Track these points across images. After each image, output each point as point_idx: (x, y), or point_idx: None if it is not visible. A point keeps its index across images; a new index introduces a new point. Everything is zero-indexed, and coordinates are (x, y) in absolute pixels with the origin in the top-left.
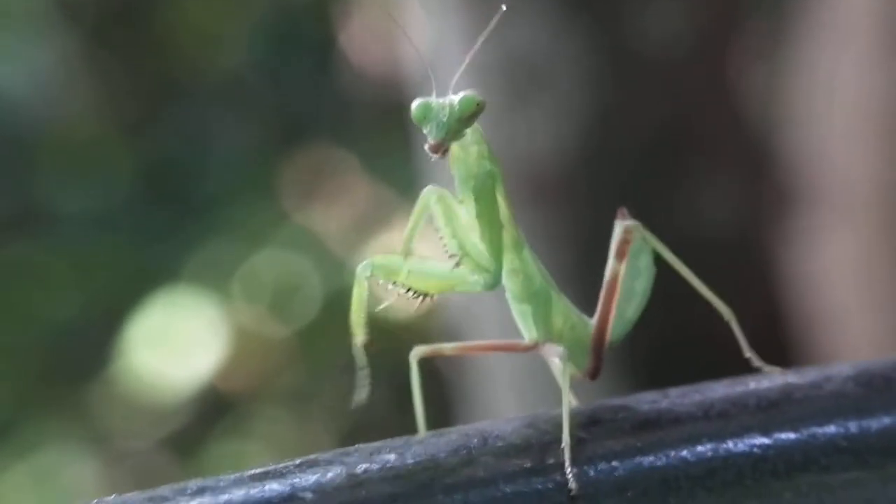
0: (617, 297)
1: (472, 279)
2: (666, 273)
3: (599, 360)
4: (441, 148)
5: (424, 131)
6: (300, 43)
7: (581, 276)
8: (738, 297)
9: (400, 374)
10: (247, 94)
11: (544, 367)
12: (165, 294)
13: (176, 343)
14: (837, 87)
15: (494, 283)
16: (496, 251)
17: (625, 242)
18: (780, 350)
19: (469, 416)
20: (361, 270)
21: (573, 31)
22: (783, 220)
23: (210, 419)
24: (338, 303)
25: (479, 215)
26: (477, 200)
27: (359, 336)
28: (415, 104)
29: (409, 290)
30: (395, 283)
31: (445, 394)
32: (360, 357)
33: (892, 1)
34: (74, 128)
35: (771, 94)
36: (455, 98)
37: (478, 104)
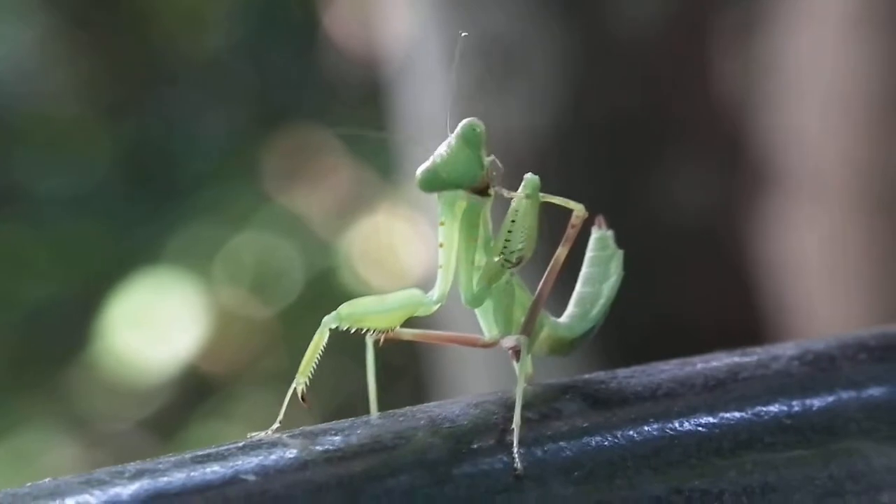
0: (556, 280)
1: (427, 300)
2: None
3: (528, 328)
4: (481, 185)
5: (447, 189)
6: (283, 25)
7: (532, 269)
8: (711, 281)
9: (383, 354)
10: (229, 75)
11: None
12: (146, 276)
13: (157, 324)
14: (810, 73)
15: (444, 297)
16: (467, 275)
17: (573, 228)
18: (752, 336)
19: (443, 397)
20: (328, 321)
21: (547, 13)
22: (756, 206)
23: (191, 401)
24: (320, 284)
25: (459, 238)
26: (461, 224)
27: (301, 382)
28: (418, 177)
29: (376, 330)
30: (363, 329)
31: (422, 375)
32: (286, 403)
33: None
34: (54, 109)
35: (745, 80)
36: (457, 133)
37: (477, 128)
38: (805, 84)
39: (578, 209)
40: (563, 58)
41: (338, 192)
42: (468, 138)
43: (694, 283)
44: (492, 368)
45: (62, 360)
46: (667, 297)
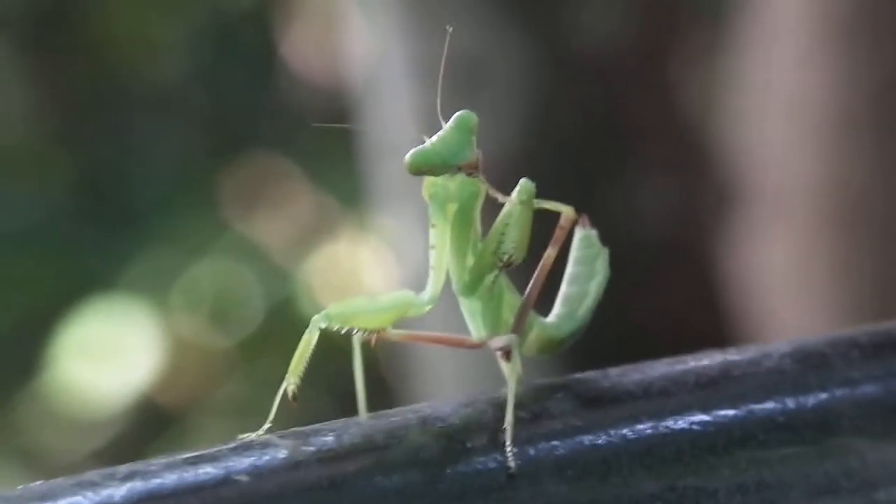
0: (543, 280)
1: (419, 301)
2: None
3: (519, 325)
4: (470, 165)
5: (437, 171)
6: (239, 51)
7: (519, 270)
8: (676, 294)
9: (344, 379)
10: (186, 101)
11: (487, 353)
12: (99, 304)
13: (110, 354)
14: (774, 87)
15: (436, 297)
16: (459, 269)
17: (561, 230)
18: (718, 348)
19: (411, 399)
20: (317, 320)
21: (511, 28)
22: (721, 219)
23: (147, 432)
24: (280, 313)
25: (451, 239)
26: (453, 225)
27: (292, 382)
28: (410, 157)
29: (366, 331)
30: (353, 329)
31: (387, 378)
32: (276, 403)
33: (827, 2)
34: (4, 135)
35: (710, 94)
36: (451, 121)
37: (471, 118)
38: (768, 100)
39: (568, 211)
40: (527, 72)
41: (298, 219)
42: (463, 122)
43: (659, 293)
44: (460, 370)
45: (10, 390)
46: (632, 308)
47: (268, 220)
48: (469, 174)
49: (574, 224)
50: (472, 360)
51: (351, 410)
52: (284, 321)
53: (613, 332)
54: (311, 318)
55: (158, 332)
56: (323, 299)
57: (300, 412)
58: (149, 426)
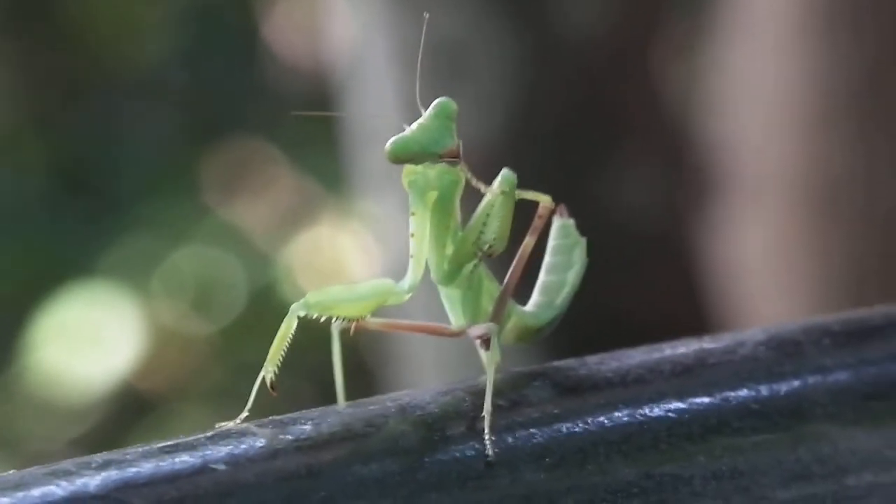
0: (521, 268)
1: (398, 289)
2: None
3: (498, 315)
4: (450, 153)
5: (417, 160)
6: (221, 34)
7: (498, 259)
8: (658, 283)
9: (323, 368)
10: (167, 86)
11: (466, 341)
12: (79, 290)
13: (90, 340)
14: (754, 78)
15: (415, 285)
16: (438, 257)
17: (539, 219)
18: (696, 334)
19: (391, 386)
20: (295, 308)
21: (494, 16)
22: (702, 209)
23: (128, 419)
24: (262, 299)
25: (431, 227)
26: (432, 214)
27: (270, 371)
28: (390, 145)
29: (345, 319)
30: (332, 317)
31: (368, 366)
32: (254, 392)
33: None
34: None
35: (691, 84)
36: (430, 108)
37: (451, 106)
38: (748, 89)
39: (545, 200)
40: (510, 60)
41: (279, 204)
42: (442, 110)
43: (640, 281)
44: (441, 358)
45: None
46: (613, 296)
47: (249, 205)
48: (449, 162)
49: (552, 213)
50: (453, 348)
51: (331, 398)
52: (266, 307)
53: (597, 321)
54: (291, 304)
55: (139, 319)
56: (305, 284)
57: (279, 401)
58: (129, 413)
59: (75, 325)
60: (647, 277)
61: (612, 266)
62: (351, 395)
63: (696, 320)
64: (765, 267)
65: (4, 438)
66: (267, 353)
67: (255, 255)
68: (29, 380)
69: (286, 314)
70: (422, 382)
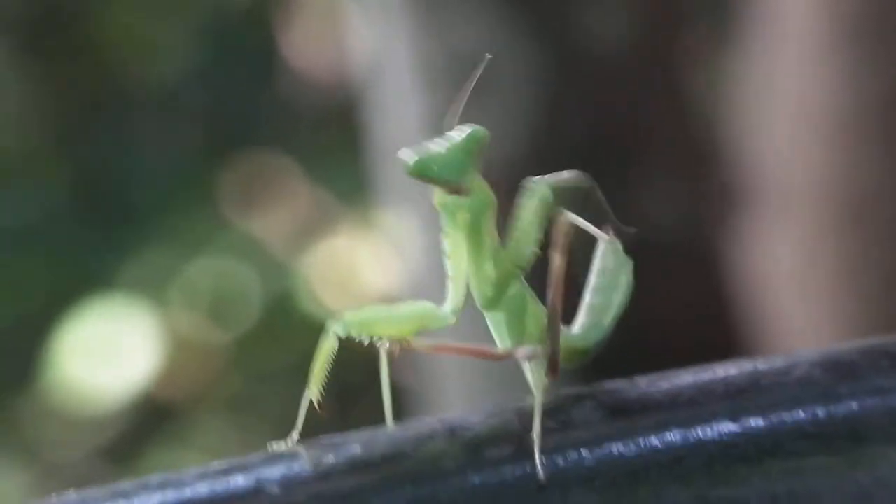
0: (562, 292)
1: (441, 313)
2: None
3: (555, 357)
4: (463, 189)
5: (432, 182)
6: (239, 49)
7: (527, 278)
8: (684, 295)
9: (338, 381)
10: (185, 99)
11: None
12: (99, 303)
13: (110, 352)
14: (780, 88)
15: (458, 309)
16: (479, 280)
17: (563, 236)
18: (724, 348)
19: (429, 407)
20: (333, 328)
21: (517, 29)
22: (728, 219)
23: (147, 428)
24: (279, 309)
25: (467, 249)
26: (466, 236)
27: (314, 391)
28: (411, 159)
29: (383, 339)
30: (370, 336)
31: (406, 386)
32: (302, 412)
33: (834, 5)
34: (2, 136)
35: (716, 95)
36: (461, 132)
37: (484, 136)
38: (775, 100)
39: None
40: (534, 73)
41: (296, 215)
42: (470, 140)
43: (667, 295)
44: (466, 379)
45: (11, 389)
46: (639, 310)
47: (266, 216)
48: (455, 193)
49: (572, 231)
50: (493, 370)
51: (354, 417)
52: (283, 317)
53: (621, 332)
54: (308, 314)
55: (158, 330)
56: (322, 296)
57: (309, 420)
58: (149, 422)
59: (95, 336)
60: (674, 292)
61: (639, 281)
62: (342, 426)
63: (723, 335)
64: (793, 281)
65: (28, 448)
66: (283, 363)
67: (272, 266)
68: (51, 391)
69: (303, 324)
70: (459, 403)
